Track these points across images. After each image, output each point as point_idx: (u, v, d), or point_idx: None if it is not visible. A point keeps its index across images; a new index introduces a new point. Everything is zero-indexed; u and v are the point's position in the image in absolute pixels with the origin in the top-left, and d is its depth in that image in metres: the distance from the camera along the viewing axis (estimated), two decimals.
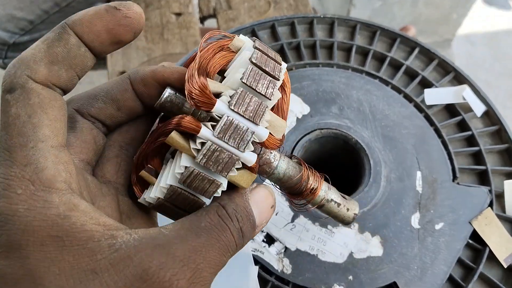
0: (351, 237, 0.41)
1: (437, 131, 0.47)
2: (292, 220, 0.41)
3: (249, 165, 0.23)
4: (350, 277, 0.39)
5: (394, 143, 0.46)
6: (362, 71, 0.50)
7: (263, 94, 0.23)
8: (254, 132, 0.22)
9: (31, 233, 0.19)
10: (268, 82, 0.23)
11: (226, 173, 0.22)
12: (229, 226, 0.22)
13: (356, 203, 0.33)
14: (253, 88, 0.22)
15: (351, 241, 0.41)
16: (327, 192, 0.30)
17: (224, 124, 0.21)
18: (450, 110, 0.49)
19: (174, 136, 0.22)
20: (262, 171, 0.27)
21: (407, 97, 0.49)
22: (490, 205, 0.44)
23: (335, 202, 0.31)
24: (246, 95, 0.22)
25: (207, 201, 0.24)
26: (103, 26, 0.22)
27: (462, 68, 0.51)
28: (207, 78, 0.22)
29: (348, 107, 0.47)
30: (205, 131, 0.21)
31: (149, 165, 0.24)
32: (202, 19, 0.89)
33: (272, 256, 0.40)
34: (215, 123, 0.22)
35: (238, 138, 0.22)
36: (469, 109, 0.49)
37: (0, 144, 0.20)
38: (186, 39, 0.82)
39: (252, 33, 0.53)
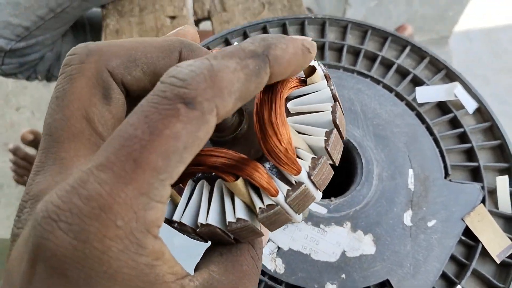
0: (344, 236, 0.41)
1: (429, 128, 0.47)
2: None
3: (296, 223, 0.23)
4: (343, 276, 0.40)
5: (385, 142, 0.46)
6: (354, 70, 0.51)
7: (335, 161, 0.21)
8: (315, 198, 0.21)
9: (119, 281, 0.16)
10: (340, 147, 0.21)
11: (274, 229, 0.21)
12: (258, 268, 0.21)
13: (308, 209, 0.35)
14: (330, 156, 0.20)
15: (344, 240, 0.41)
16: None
17: (299, 193, 0.20)
18: (442, 107, 0.49)
19: (239, 184, 0.20)
20: None
21: (398, 95, 0.49)
22: (483, 201, 0.44)
23: None
24: (326, 164, 0.20)
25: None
26: (294, 68, 0.19)
27: (460, 65, 0.52)
28: (288, 125, 0.20)
29: None
30: (280, 197, 0.20)
31: (181, 185, 0.22)
32: (197, 22, 0.90)
33: (265, 256, 0.40)
34: (288, 187, 0.20)
35: (301, 205, 0.20)
36: (461, 106, 0.49)
37: (131, 146, 0.15)
38: None
39: (244, 35, 0.53)
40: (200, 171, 0.21)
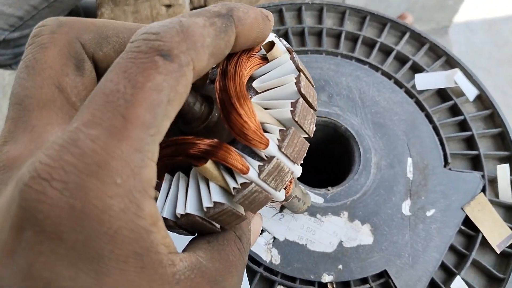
0: (341, 226, 0.40)
1: (428, 116, 0.46)
2: (281, 210, 0.40)
3: (278, 201, 0.22)
4: (340, 266, 0.39)
5: (384, 130, 0.45)
6: (352, 57, 0.50)
7: (307, 132, 0.21)
8: (292, 173, 0.20)
9: (119, 243, 0.15)
10: (311, 117, 0.21)
11: (256, 210, 0.20)
12: (244, 260, 0.21)
13: (310, 197, 0.36)
14: (301, 126, 0.20)
15: (341, 229, 0.40)
16: (294, 189, 0.31)
17: (272, 168, 0.19)
18: (442, 95, 0.48)
19: (210, 167, 0.19)
20: None
21: (397, 82, 0.48)
22: (483, 190, 0.43)
23: (298, 198, 0.32)
24: (296, 135, 0.20)
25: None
26: (256, 33, 0.20)
27: (461, 56, 0.50)
28: (251, 102, 0.20)
29: (337, 95, 0.47)
30: (253, 173, 0.19)
31: (157, 180, 0.21)
32: (193, 10, 0.88)
33: (260, 247, 0.39)
34: (259, 163, 0.19)
35: (278, 180, 0.20)
36: (461, 94, 0.48)
37: (115, 101, 0.15)
38: None
39: None
40: (174, 162, 0.20)
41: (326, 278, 0.38)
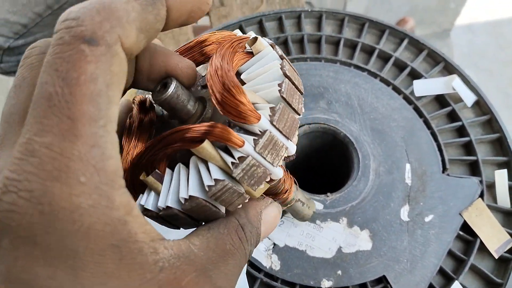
0: (340, 232, 0.41)
1: (427, 122, 0.47)
2: (281, 216, 0.41)
3: (277, 179, 0.22)
4: (339, 272, 0.39)
5: (383, 136, 0.46)
6: (351, 64, 0.50)
7: (296, 109, 0.22)
8: (287, 148, 0.22)
9: (92, 238, 0.15)
10: (298, 97, 0.23)
11: (256, 187, 0.21)
12: (246, 250, 0.21)
13: (314, 203, 0.36)
14: (289, 104, 0.22)
15: (340, 235, 0.41)
16: (296, 192, 0.31)
17: (266, 140, 0.21)
18: (440, 101, 0.49)
19: (207, 147, 0.20)
20: None
21: (396, 89, 0.49)
22: (481, 195, 0.44)
23: (301, 201, 0.33)
24: (285, 110, 0.22)
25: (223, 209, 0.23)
26: (191, 7, 0.20)
27: (464, 58, 0.51)
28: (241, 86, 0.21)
29: (336, 101, 0.47)
30: (248, 147, 0.20)
31: (157, 170, 0.22)
32: None
33: (260, 252, 0.40)
34: (254, 137, 0.21)
35: (274, 154, 0.21)
36: (459, 99, 0.48)
37: (57, 104, 0.15)
38: (178, 37, 0.82)
39: (240, 29, 0.53)
40: (173, 151, 0.22)
41: (326, 283, 0.39)
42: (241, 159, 0.20)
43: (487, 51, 1.69)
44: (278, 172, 0.22)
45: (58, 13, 0.85)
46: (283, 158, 0.22)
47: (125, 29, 0.17)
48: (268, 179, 0.21)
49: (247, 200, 0.22)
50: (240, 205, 0.22)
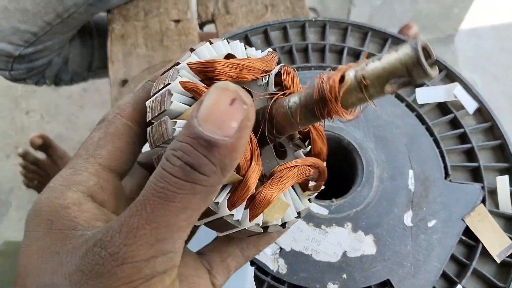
0: (345, 237, 0.42)
1: (429, 129, 0.48)
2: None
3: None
4: (344, 276, 0.40)
5: (386, 143, 0.47)
6: None
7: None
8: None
9: (37, 215, 0.22)
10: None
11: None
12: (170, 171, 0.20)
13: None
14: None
15: (345, 240, 0.42)
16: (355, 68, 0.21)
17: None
18: (442, 108, 0.50)
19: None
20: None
21: (399, 97, 0.50)
22: (483, 201, 0.45)
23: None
24: None
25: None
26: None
27: (469, 62, 0.52)
28: None
29: None
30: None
31: None
32: (201, 25, 0.91)
33: (267, 256, 0.41)
34: None
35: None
36: (461, 107, 0.49)
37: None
38: (185, 46, 0.84)
39: (246, 38, 0.54)
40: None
41: (331, 287, 0.40)
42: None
43: (492, 55, 1.70)
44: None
45: (67, 22, 0.87)
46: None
47: (121, 108, 0.26)
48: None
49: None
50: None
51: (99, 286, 0.19)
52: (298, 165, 0.26)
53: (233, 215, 0.23)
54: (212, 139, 0.18)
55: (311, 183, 0.28)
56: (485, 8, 1.80)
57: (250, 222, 0.23)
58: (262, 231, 0.25)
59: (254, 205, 0.23)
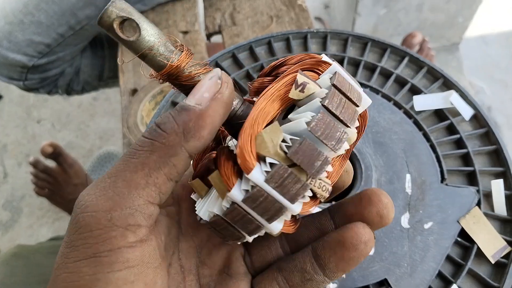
0: None
1: (426, 135, 0.50)
2: None
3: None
4: (343, 275, 0.42)
5: (384, 148, 0.49)
6: None
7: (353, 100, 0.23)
8: (345, 133, 0.22)
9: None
10: (354, 93, 0.24)
11: (271, 221, 0.22)
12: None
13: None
14: (330, 111, 0.22)
15: None
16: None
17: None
18: (439, 115, 0.52)
19: (215, 177, 0.22)
20: None
21: (396, 104, 0.52)
22: (478, 204, 0.46)
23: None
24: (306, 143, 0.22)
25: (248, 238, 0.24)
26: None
27: (478, 69, 0.54)
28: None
29: None
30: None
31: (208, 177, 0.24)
32: (208, 36, 0.93)
33: None
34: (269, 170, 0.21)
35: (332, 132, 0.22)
36: (457, 114, 0.51)
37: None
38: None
39: (250, 49, 0.57)
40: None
41: (330, 286, 0.42)
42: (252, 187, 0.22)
43: (501, 62, 1.71)
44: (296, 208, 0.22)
45: (80, 34, 0.91)
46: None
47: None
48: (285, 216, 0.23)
49: (261, 234, 0.23)
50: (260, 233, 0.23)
51: (69, 233, 0.21)
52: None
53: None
54: (184, 104, 0.21)
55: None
56: (493, 15, 1.81)
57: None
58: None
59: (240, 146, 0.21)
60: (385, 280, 0.42)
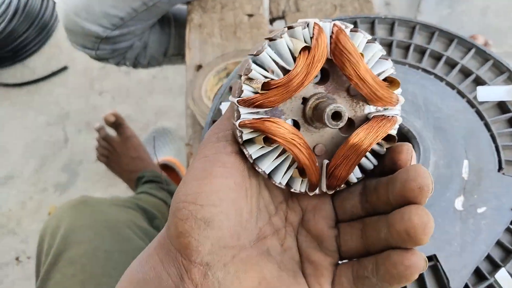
0: None
1: (487, 125, 0.51)
2: None
3: None
4: None
5: (444, 134, 0.50)
6: (419, 67, 0.55)
7: None
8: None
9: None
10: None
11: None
12: None
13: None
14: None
15: None
16: None
17: None
18: (502, 107, 0.52)
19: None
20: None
21: (460, 93, 0.53)
22: None
23: None
24: None
25: None
26: None
27: None
28: None
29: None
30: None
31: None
32: (272, 20, 0.97)
33: None
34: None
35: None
36: None
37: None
38: (256, 38, 0.90)
39: None
40: None
41: None
42: None
43: None
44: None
45: (151, 10, 0.96)
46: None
47: None
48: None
49: None
50: None
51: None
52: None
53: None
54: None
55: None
56: None
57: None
58: None
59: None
60: (434, 255, 0.44)
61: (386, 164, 0.31)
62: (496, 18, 1.52)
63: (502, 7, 1.45)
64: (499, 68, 0.55)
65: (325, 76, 0.30)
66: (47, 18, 1.78)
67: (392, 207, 0.28)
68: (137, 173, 1.19)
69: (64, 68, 1.74)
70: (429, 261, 0.44)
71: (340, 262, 0.32)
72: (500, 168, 0.48)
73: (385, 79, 0.31)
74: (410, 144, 0.30)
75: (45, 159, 1.55)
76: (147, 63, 1.13)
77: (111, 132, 1.27)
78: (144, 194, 1.06)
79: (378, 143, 0.31)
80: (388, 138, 0.31)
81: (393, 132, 0.31)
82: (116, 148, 1.23)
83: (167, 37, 1.11)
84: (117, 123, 1.23)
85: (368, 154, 0.32)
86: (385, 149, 0.32)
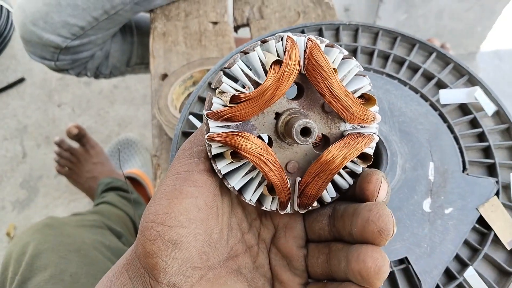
0: None
1: (450, 127, 0.52)
2: None
3: None
4: None
5: (409, 137, 0.51)
6: (383, 72, 0.56)
7: None
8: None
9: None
10: None
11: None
12: None
13: None
14: None
15: None
16: None
17: None
18: (463, 109, 0.54)
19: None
20: None
21: (423, 96, 0.54)
22: (497, 194, 0.48)
23: None
24: None
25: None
26: None
27: (489, 83, 0.56)
28: None
29: None
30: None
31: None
32: (236, 28, 0.96)
33: None
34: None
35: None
36: (480, 109, 0.53)
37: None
38: (221, 46, 0.90)
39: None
40: None
41: None
42: None
43: None
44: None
45: (113, 19, 0.94)
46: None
47: None
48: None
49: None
50: None
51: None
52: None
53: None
54: None
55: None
56: (507, 31, 1.83)
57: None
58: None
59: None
60: (406, 258, 0.45)
61: (356, 189, 0.30)
62: (451, 21, 1.58)
63: (456, 10, 1.51)
64: (459, 71, 0.57)
65: (300, 92, 0.30)
66: (1, 27, 1.71)
67: (354, 239, 0.28)
68: (98, 179, 1.17)
69: (21, 80, 1.67)
70: (400, 264, 0.45)
71: (310, 280, 0.32)
72: (464, 169, 0.50)
73: (361, 96, 0.30)
74: (381, 173, 0.29)
75: (3, 175, 1.48)
76: (109, 73, 1.10)
77: (74, 144, 1.23)
78: (106, 205, 1.03)
79: (353, 161, 0.31)
80: (364, 157, 0.31)
81: (369, 151, 0.31)
82: (79, 157, 1.20)
83: (129, 46, 1.09)
84: (80, 135, 1.20)
85: (343, 173, 0.31)
86: (361, 168, 0.31)
